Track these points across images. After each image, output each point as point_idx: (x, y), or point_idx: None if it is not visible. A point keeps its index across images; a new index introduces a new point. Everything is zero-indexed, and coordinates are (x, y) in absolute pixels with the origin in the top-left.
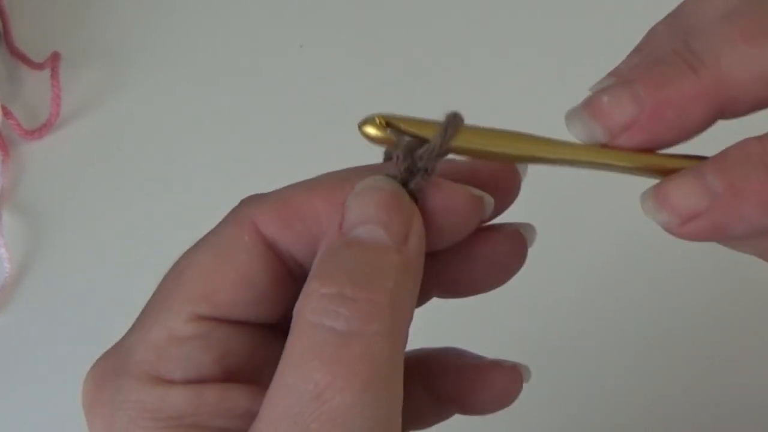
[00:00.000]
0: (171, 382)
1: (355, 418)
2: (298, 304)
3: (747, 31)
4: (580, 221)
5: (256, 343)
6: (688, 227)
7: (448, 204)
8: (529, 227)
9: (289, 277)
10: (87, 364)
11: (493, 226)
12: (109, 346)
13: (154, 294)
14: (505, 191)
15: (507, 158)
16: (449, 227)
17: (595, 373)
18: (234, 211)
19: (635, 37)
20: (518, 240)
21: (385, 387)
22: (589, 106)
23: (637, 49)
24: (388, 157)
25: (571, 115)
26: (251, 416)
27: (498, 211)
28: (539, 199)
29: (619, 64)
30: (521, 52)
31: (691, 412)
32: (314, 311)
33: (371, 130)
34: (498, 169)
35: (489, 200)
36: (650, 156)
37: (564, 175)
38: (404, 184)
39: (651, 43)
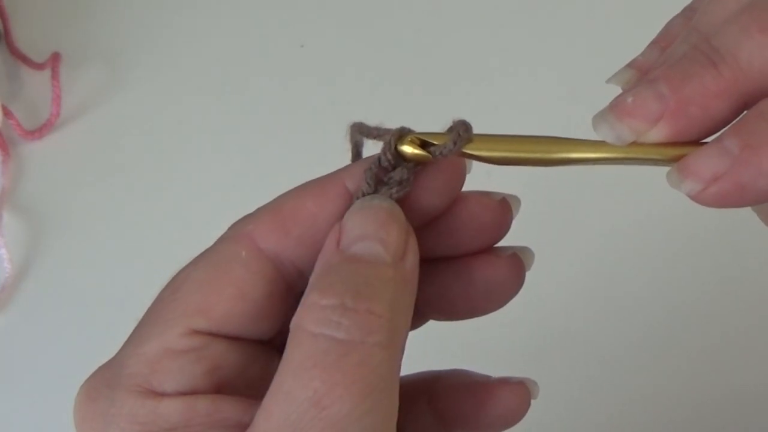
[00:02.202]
0: (163, 395)
1: (353, 424)
2: (296, 318)
3: (763, 23)
4: (574, 227)
5: (248, 360)
6: (711, 191)
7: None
8: (527, 251)
9: (286, 292)
10: (86, 365)
11: (492, 250)
12: (107, 346)
13: (150, 309)
14: (496, 226)
15: (525, 161)
16: (435, 190)
17: (599, 391)
18: (230, 229)
19: (638, 41)
20: (516, 264)
21: (383, 397)
22: (615, 108)
23: (654, 42)
24: (355, 151)
25: (598, 118)
26: (242, 427)
27: (491, 244)
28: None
29: (637, 56)
30: (522, 50)
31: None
32: (315, 322)
33: (408, 149)
34: (488, 204)
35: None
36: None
37: (559, 180)
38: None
39: (668, 36)
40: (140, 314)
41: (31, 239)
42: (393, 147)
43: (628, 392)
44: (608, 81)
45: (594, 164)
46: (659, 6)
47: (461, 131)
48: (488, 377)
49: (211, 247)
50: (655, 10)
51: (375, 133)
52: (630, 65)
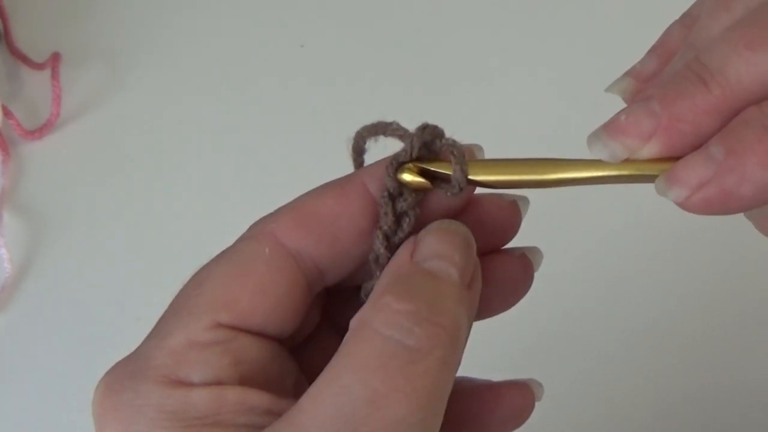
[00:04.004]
0: (191, 385)
1: (405, 430)
2: (362, 315)
3: (750, 39)
4: (573, 230)
5: (268, 357)
6: (697, 197)
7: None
8: (535, 251)
9: (306, 290)
10: (86, 364)
11: (502, 251)
12: (108, 346)
13: (172, 303)
14: (507, 227)
15: (522, 184)
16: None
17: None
18: (251, 229)
19: (638, 41)
20: (526, 263)
21: (436, 410)
22: (608, 127)
23: (652, 50)
24: (357, 153)
25: (592, 137)
26: (273, 415)
27: (501, 245)
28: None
29: (635, 65)
30: (522, 50)
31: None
32: (386, 324)
33: (408, 177)
34: (500, 205)
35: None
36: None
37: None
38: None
39: (666, 44)
40: (140, 314)
41: (31, 239)
42: (393, 174)
43: (629, 392)
44: (607, 90)
45: (590, 184)
46: (659, 6)
47: (459, 159)
48: (491, 381)
49: (233, 245)
50: (655, 11)
51: (388, 130)
52: (628, 74)
